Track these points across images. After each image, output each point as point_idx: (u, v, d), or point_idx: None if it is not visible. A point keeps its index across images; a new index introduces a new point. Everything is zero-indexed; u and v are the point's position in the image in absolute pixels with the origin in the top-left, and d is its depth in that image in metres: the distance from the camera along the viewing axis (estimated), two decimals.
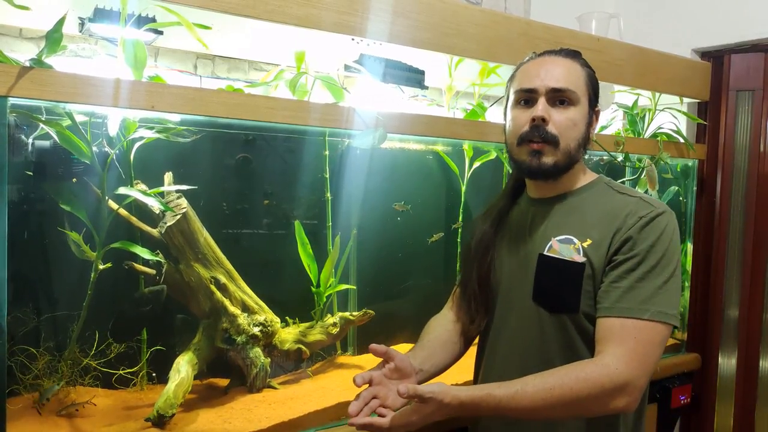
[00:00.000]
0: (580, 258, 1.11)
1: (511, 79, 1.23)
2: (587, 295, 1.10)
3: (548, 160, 1.13)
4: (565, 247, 1.13)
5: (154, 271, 1.50)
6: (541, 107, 1.12)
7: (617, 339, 1.02)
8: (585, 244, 1.11)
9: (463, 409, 0.97)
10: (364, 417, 1.03)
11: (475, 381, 1.35)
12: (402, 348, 2.05)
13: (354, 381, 1.05)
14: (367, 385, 1.09)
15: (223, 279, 1.59)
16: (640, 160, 2.18)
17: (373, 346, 1.10)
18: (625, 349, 1.01)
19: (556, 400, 0.97)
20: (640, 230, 1.08)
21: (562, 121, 1.13)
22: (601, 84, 1.90)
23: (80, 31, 1.42)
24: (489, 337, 1.26)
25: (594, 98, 1.20)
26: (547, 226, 1.18)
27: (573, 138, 1.14)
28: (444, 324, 1.34)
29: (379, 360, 1.15)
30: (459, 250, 2.14)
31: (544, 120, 1.12)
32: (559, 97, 1.13)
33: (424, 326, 1.37)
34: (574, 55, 1.20)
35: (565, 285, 1.11)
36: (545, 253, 1.15)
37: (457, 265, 2.14)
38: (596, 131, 1.23)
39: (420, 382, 1.16)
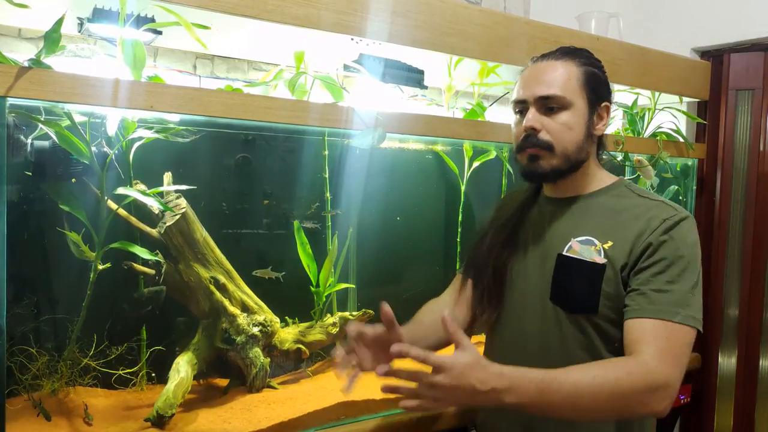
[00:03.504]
0: (600, 259, 1.11)
1: (515, 87, 1.24)
2: (607, 296, 1.10)
3: (545, 164, 1.15)
4: (586, 248, 1.13)
5: (153, 271, 1.49)
6: (530, 117, 1.14)
7: (652, 340, 1.02)
8: (606, 246, 1.12)
9: (503, 378, 0.90)
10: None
11: None
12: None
13: (348, 330, 1.08)
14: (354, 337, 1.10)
15: (222, 279, 1.59)
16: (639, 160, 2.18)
17: (385, 309, 1.04)
18: (661, 350, 1.01)
19: (597, 389, 0.94)
20: (665, 233, 1.09)
21: (555, 127, 1.14)
22: None
23: (79, 31, 1.42)
24: (500, 336, 1.25)
25: (595, 95, 1.18)
26: (566, 227, 1.18)
27: (569, 141, 1.14)
28: (442, 306, 1.32)
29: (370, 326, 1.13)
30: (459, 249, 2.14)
31: (534, 129, 1.14)
32: (547, 104, 1.14)
33: (421, 307, 1.35)
34: (570, 54, 1.18)
35: (584, 286, 1.12)
36: (565, 253, 1.15)
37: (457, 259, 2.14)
38: (607, 127, 1.21)
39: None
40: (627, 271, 1.10)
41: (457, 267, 2.15)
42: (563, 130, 1.14)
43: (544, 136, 1.14)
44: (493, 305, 1.24)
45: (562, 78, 1.15)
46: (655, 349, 1.01)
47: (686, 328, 1.04)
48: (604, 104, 1.20)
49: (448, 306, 1.33)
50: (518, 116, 1.20)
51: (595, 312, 1.11)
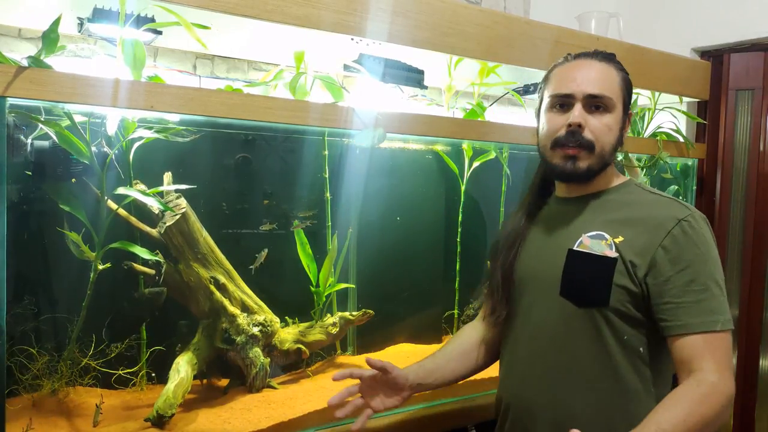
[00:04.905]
0: (612, 253, 1.12)
1: (545, 80, 1.23)
2: (619, 290, 1.11)
3: (582, 164, 1.15)
4: (596, 242, 1.14)
5: (153, 272, 1.49)
6: (577, 113, 1.14)
7: (709, 355, 1.05)
8: (617, 240, 1.13)
9: None
10: (345, 411, 1.12)
11: (499, 374, 1.33)
12: (402, 348, 2.06)
13: (334, 377, 1.12)
14: (351, 381, 1.15)
15: (222, 279, 1.59)
16: (639, 160, 2.18)
17: (370, 360, 1.13)
18: (718, 363, 1.05)
19: (690, 430, 1.00)
20: (685, 236, 1.09)
21: (599, 127, 1.14)
22: None
23: (79, 31, 1.42)
24: (512, 331, 1.27)
25: (628, 102, 1.20)
26: (577, 223, 1.20)
27: (608, 143, 1.16)
28: (470, 334, 1.35)
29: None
30: (459, 249, 2.14)
31: (580, 126, 1.13)
32: (595, 103, 1.15)
33: (458, 332, 1.39)
34: (609, 58, 1.20)
35: (595, 279, 1.12)
36: (575, 248, 1.16)
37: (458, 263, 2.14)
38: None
39: (415, 393, 1.22)
40: (644, 270, 1.10)
41: (458, 267, 2.15)
42: (605, 131, 1.15)
43: (587, 134, 1.14)
44: (502, 305, 1.26)
45: (610, 79, 1.16)
46: (713, 364, 1.04)
47: (727, 332, 1.07)
48: (630, 111, 1.22)
49: (477, 332, 1.35)
50: (556, 110, 1.17)
51: (606, 305, 1.11)
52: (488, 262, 1.36)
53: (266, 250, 1.68)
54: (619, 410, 1.12)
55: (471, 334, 1.34)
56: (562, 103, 1.16)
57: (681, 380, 1.08)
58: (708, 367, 1.04)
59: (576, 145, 1.14)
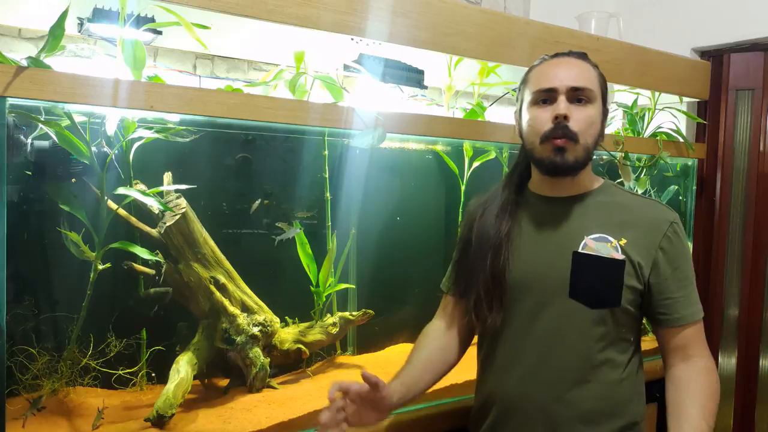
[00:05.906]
0: (619, 256, 1.18)
1: (525, 82, 1.25)
2: (627, 290, 1.18)
3: (570, 156, 1.17)
4: (602, 245, 1.19)
5: (153, 272, 1.49)
6: (562, 105, 1.16)
7: (698, 342, 1.22)
8: (621, 243, 1.18)
9: None
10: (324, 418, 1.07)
11: (483, 377, 1.32)
12: (402, 348, 2.06)
13: (329, 391, 1.08)
14: (339, 394, 1.11)
15: (222, 279, 1.59)
16: (639, 160, 2.18)
17: (365, 374, 1.11)
18: (704, 349, 1.23)
19: (714, 414, 1.17)
20: (675, 238, 1.20)
21: (582, 119, 1.17)
22: None
23: (79, 31, 1.42)
24: (508, 334, 1.25)
25: (605, 97, 1.24)
26: (576, 225, 1.22)
27: (591, 135, 1.19)
28: (436, 338, 1.34)
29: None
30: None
31: (566, 117, 1.15)
32: (577, 96, 1.17)
33: (418, 337, 1.36)
34: (584, 56, 1.24)
35: (606, 281, 1.18)
36: (581, 250, 1.19)
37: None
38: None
39: (395, 407, 1.20)
40: (648, 270, 1.19)
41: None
42: (588, 122, 1.18)
43: (572, 126, 1.16)
44: (496, 310, 1.23)
45: (589, 73, 1.20)
46: (702, 349, 1.22)
47: (701, 320, 1.23)
48: (606, 107, 1.25)
49: (442, 334, 1.34)
50: (540, 105, 1.19)
51: (618, 305, 1.18)
52: (457, 265, 1.34)
53: (301, 229, 1.68)
54: (622, 398, 1.20)
55: (437, 340, 1.33)
56: (546, 98, 1.18)
57: (673, 363, 1.22)
58: (700, 352, 1.21)
59: (562, 137, 1.16)
